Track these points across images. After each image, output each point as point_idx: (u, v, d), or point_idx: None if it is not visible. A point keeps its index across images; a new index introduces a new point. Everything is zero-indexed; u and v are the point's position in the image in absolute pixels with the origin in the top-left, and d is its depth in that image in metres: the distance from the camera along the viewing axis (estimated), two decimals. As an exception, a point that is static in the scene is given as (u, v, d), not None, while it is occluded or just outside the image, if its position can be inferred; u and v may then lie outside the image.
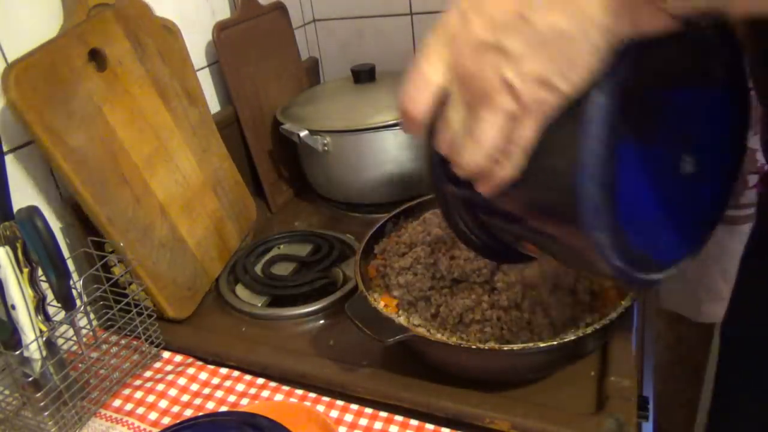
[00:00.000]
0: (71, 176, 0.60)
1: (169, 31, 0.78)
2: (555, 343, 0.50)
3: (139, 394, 0.60)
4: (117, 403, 0.60)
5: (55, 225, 0.67)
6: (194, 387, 0.61)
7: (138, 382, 0.62)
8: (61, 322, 0.55)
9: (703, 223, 0.41)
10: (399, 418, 0.55)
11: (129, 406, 0.59)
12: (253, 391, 0.60)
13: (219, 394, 0.60)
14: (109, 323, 0.62)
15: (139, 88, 0.70)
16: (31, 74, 0.57)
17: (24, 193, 0.64)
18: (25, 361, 0.55)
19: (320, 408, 0.57)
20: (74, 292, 0.58)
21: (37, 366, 0.55)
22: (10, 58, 0.60)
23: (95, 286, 0.61)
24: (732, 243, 1.00)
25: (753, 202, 0.97)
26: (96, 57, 0.65)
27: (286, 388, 0.60)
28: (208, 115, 0.82)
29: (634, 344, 0.60)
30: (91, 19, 0.65)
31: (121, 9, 0.68)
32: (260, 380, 0.61)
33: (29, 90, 0.57)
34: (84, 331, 0.65)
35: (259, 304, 0.73)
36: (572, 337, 0.50)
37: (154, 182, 0.70)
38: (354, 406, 0.57)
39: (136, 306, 0.62)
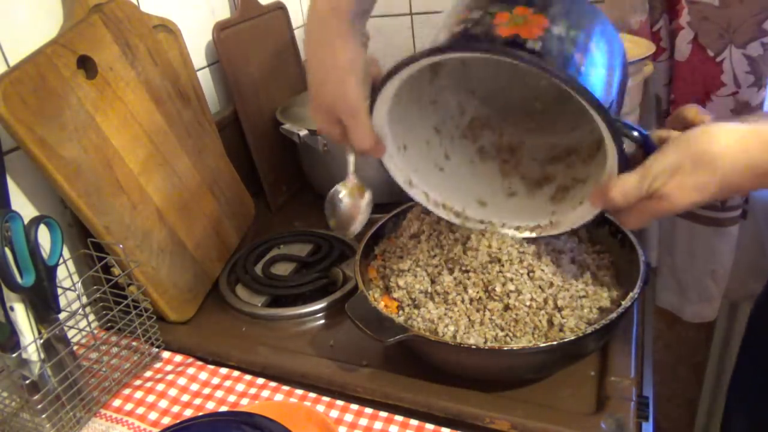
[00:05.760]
0: (65, 188, 0.59)
1: (167, 30, 0.78)
2: (555, 343, 0.50)
3: (139, 394, 0.60)
4: (117, 403, 0.60)
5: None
6: (194, 387, 0.61)
7: (138, 382, 0.62)
8: (52, 329, 0.55)
9: None
10: (399, 418, 0.55)
11: (129, 406, 0.59)
12: (253, 391, 0.60)
13: (219, 394, 0.60)
14: (109, 324, 0.62)
15: (131, 93, 0.69)
16: (20, 88, 0.56)
17: (23, 194, 0.64)
18: (24, 363, 0.55)
19: (320, 408, 0.57)
20: (74, 293, 0.58)
21: (36, 368, 0.55)
22: (10, 59, 0.60)
23: (95, 287, 0.61)
24: (720, 244, 1.00)
25: (740, 204, 0.97)
26: (85, 64, 0.64)
27: (286, 388, 0.60)
28: (203, 115, 0.81)
29: (634, 344, 0.60)
30: (77, 26, 0.63)
31: (107, 12, 0.66)
32: (260, 380, 0.61)
33: (19, 104, 0.55)
34: (83, 332, 0.65)
35: (259, 304, 0.73)
36: (572, 337, 0.50)
37: (150, 187, 0.69)
38: (354, 406, 0.57)
39: (135, 307, 0.62)
